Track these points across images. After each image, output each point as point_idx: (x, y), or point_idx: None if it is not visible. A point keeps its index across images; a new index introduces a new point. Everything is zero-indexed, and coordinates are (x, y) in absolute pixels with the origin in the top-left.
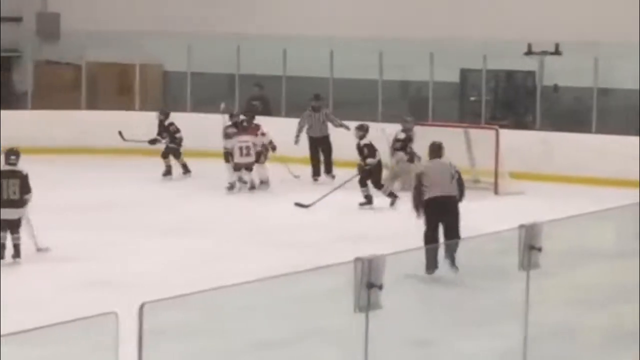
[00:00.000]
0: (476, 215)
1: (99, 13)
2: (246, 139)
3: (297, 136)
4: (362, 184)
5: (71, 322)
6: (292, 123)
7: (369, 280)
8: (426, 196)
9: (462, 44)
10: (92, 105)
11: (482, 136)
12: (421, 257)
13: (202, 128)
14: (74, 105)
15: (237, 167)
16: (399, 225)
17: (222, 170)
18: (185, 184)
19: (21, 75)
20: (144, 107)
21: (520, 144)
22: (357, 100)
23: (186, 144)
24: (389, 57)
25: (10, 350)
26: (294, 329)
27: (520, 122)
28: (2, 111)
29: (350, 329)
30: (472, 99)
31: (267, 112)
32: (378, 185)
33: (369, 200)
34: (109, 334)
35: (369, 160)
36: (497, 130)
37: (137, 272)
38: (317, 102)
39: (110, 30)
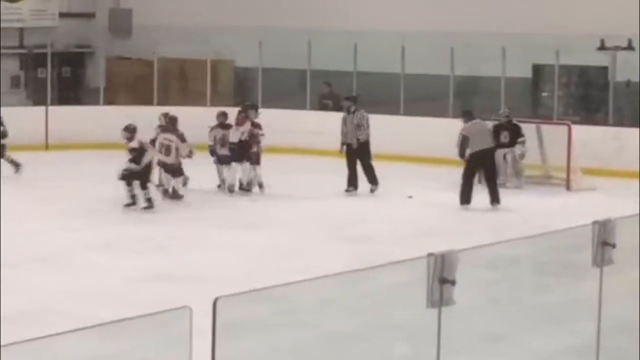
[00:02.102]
0: (548, 211)
1: (170, 9)
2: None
3: (342, 143)
4: None
5: (145, 317)
6: None
7: (441, 276)
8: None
9: (534, 39)
10: (164, 100)
11: (554, 132)
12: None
13: (273, 123)
14: (146, 100)
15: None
16: (471, 221)
17: (292, 166)
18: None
19: (94, 71)
20: (215, 103)
21: (593, 140)
22: (428, 96)
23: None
24: (461, 51)
25: (86, 344)
26: (367, 324)
27: (593, 118)
28: (75, 106)
29: (423, 325)
30: (544, 94)
31: (338, 108)
32: None
33: None
34: (183, 328)
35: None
36: (569, 126)
37: (212, 267)
38: (348, 102)
39: (181, 25)
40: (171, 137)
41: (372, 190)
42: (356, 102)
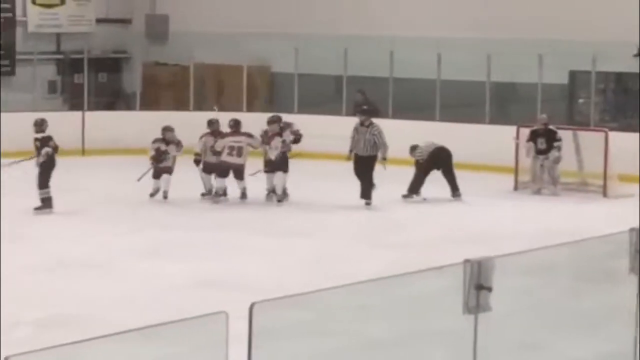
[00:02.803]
0: (585, 218)
1: (207, 14)
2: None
3: (350, 150)
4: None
5: (182, 321)
6: (399, 125)
7: (478, 282)
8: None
9: (571, 46)
10: (200, 106)
11: (591, 139)
12: (529, 259)
13: (308, 129)
14: (182, 106)
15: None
16: (508, 228)
17: (328, 172)
18: (292, 184)
19: (130, 76)
20: (251, 109)
21: (630, 147)
22: (464, 102)
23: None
24: (497, 58)
25: (121, 348)
26: (403, 330)
27: (630, 125)
28: (111, 112)
29: (459, 331)
30: (581, 101)
31: (375, 114)
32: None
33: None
34: (219, 333)
35: None
36: (606, 133)
37: (248, 272)
38: (362, 116)
39: (218, 31)
40: (240, 138)
41: (367, 204)
42: (371, 116)
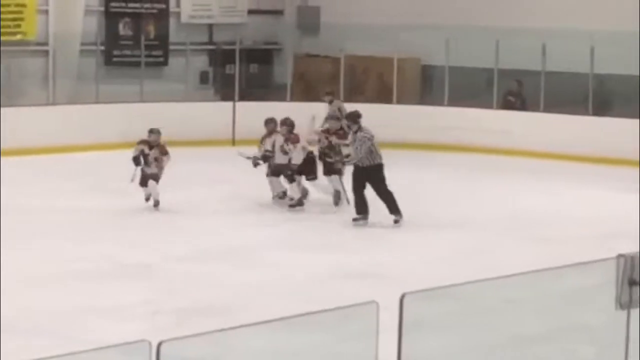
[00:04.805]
0: None
1: (358, 6)
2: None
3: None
4: None
5: (332, 311)
6: (550, 119)
7: (631, 277)
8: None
9: None
10: (350, 97)
11: None
12: None
13: (458, 122)
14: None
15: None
16: None
17: (478, 165)
18: (443, 177)
19: (281, 67)
20: (401, 101)
21: None
22: (618, 96)
23: (440, 138)
24: None
25: (275, 337)
26: (553, 325)
27: None
28: (262, 102)
29: (611, 327)
30: None
31: (524, 107)
32: None
33: None
34: (369, 323)
35: None
36: None
37: (399, 264)
38: (347, 121)
39: (369, 23)
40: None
41: (395, 221)
42: (357, 121)
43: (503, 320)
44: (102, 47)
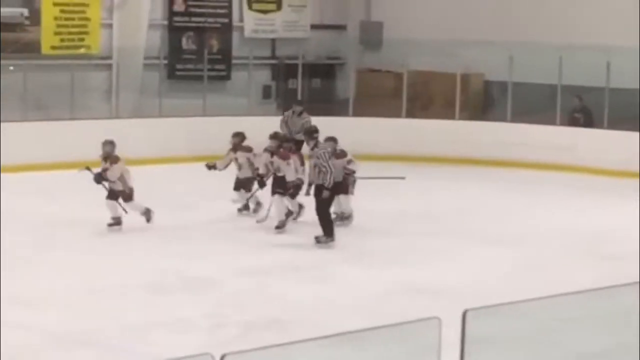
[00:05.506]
0: None
1: (421, 22)
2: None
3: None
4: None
5: (394, 326)
6: (614, 135)
7: None
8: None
9: None
10: (412, 113)
11: None
12: None
13: (521, 138)
14: (395, 113)
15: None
16: None
17: (541, 182)
18: (504, 193)
19: (343, 82)
20: (463, 117)
21: None
22: None
23: (502, 154)
24: None
25: (338, 352)
26: (612, 343)
27: None
28: (324, 117)
29: None
30: None
31: (589, 124)
32: None
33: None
34: (432, 339)
35: None
36: None
37: (461, 280)
38: (304, 136)
39: (432, 38)
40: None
41: (318, 241)
42: (313, 137)
43: (567, 338)
44: (165, 61)
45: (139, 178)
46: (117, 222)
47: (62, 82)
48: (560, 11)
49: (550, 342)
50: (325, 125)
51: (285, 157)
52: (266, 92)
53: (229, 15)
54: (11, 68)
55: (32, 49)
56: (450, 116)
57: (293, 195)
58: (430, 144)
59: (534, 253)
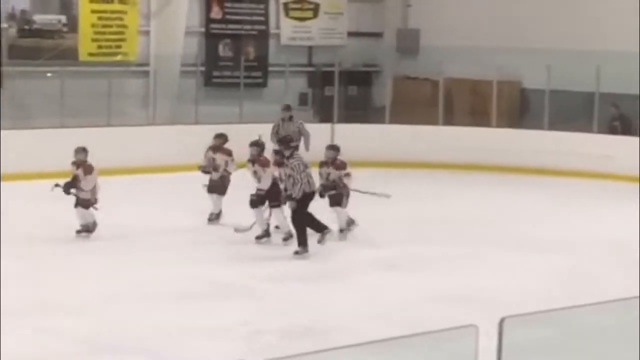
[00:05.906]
0: None
1: (458, 29)
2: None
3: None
4: None
5: (431, 334)
6: None
7: None
8: None
9: None
10: (449, 120)
11: None
12: None
13: (558, 146)
14: (431, 120)
15: None
16: None
17: (580, 190)
18: (541, 200)
19: (380, 90)
20: (500, 124)
21: None
22: None
23: (539, 162)
24: None
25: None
26: None
27: None
28: (361, 125)
29: None
30: None
31: (628, 131)
32: None
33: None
34: (469, 347)
35: None
36: None
37: (497, 287)
38: (280, 145)
39: (468, 46)
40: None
41: (296, 253)
42: (289, 146)
43: (602, 347)
44: (202, 68)
45: (174, 185)
46: (86, 229)
47: (99, 89)
48: (597, 18)
49: (587, 351)
50: (362, 132)
51: (264, 165)
52: (303, 100)
53: (265, 22)
54: (49, 75)
55: (69, 55)
56: (486, 124)
57: (255, 204)
58: (466, 151)
59: (571, 261)
